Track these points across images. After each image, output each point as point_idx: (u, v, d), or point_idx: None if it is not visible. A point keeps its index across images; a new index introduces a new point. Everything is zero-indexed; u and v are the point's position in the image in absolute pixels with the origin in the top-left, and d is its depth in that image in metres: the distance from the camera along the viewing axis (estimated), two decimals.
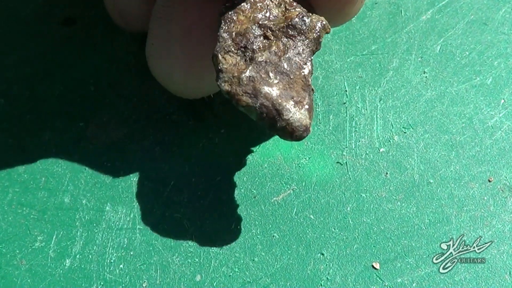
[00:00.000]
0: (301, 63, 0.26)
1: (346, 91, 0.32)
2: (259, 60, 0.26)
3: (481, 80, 0.32)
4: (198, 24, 0.28)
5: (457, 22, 0.34)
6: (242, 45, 0.26)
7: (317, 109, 0.32)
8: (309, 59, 0.26)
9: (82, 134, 0.32)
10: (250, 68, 0.26)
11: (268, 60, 0.26)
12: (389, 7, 0.34)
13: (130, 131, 0.32)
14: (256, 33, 0.26)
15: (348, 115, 0.32)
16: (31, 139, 0.32)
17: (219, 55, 0.26)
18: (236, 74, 0.26)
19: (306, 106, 0.26)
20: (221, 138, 0.31)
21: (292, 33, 0.26)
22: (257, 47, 0.26)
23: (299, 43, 0.26)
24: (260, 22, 0.26)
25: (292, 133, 0.26)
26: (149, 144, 0.31)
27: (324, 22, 0.27)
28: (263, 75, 0.26)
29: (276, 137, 0.31)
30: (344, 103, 0.32)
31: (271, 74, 0.26)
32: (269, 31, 0.26)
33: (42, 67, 0.33)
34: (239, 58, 0.26)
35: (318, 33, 0.27)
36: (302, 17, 0.26)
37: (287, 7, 0.27)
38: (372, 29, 0.34)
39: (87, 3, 0.35)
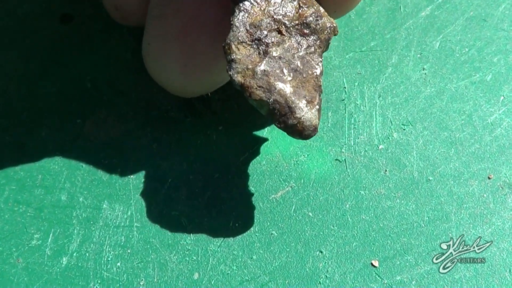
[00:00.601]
0: (314, 63, 0.26)
1: (345, 87, 0.32)
2: (273, 55, 0.26)
3: (481, 77, 0.32)
4: (194, 22, 0.27)
5: (457, 18, 0.34)
6: (256, 37, 0.26)
7: None
8: (320, 59, 0.26)
9: (79, 131, 0.32)
10: (264, 61, 0.26)
11: (282, 56, 0.26)
12: (388, 3, 0.34)
13: (127, 128, 0.32)
14: (270, 27, 0.26)
15: (347, 112, 0.32)
16: (28, 136, 0.31)
17: (233, 44, 0.25)
18: (250, 66, 0.25)
19: (317, 107, 0.26)
20: (219, 135, 0.31)
21: (306, 31, 0.26)
22: (271, 41, 0.26)
23: (311, 42, 0.26)
24: (274, 17, 0.26)
25: (302, 132, 0.26)
26: (147, 142, 0.31)
27: (334, 25, 0.27)
28: (277, 71, 0.26)
29: (275, 134, 0.31)
30: (343, 100, 0.32)
31: (284, 71, 0.26)
32: (283, 26, 0.26)
33: (39, 64, 0.33)
34: (252, 50, 0.26)
35: (329, 35, 0.27)
36: (316, 16, 0.26)
37: (301, 4, 0.26)
38: (371, 26, 0.34)
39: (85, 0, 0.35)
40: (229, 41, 0.26)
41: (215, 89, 0.30)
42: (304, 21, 0.26)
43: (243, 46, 0.26)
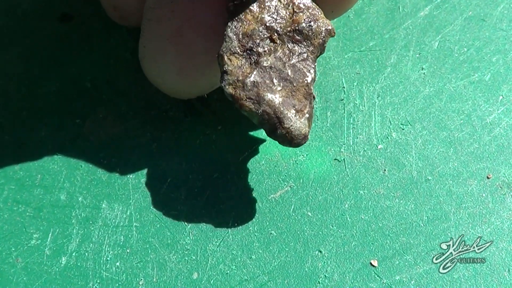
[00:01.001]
0: (305, 71, 0.26)
1: (344, 87, 0.32)
2: (264, 65, 0.26)
3: (480, 77, 0.32)
4: (187, 25, 0.27)
5: (455, 18, 0.34)
6: (248, 47, 0.26)
7: (315, 106, 0.32)
8: (313, 66, 0.27)
9: (78, 130, 0.32)
10: (255, 72, 0.26)
11: (273, 66, 0.26)
12: (387, 3, 0.34)
13: (127, 127, 0.32)
14: (262, 35, 0.26)
15: (346, 112, 0.32)
16: (27, 136, 0.31)
17: (225, 55, 0.26)
18: (240, 78, 0.26)
19: (307, 115, 0.26)
20: (218, 134, 0.31)
21: (299, 38, 0.26)
22: (263, 50, 0.26)
23: (304, 49, 0.26)
24: (267, 24, 0.26)
25: (291, 141, 0.26)
26: (146, 141, 0.31)
27: (329, 27, 0.27)
28: (267, 81, 0.26)
29: None
30: (342, 100, 0.32)
31: (275, 81, 0.26)
32: (275, 34, 0.26)
33: (38, 64, 0.33)
34: (244, 60, 0.26)
35: (324, 38, 0.27)
36: (310, 22, 0.26)
37: (295, 10, 0.27)
38: (370, 25, 0.34)
39: None
40: (222, 53, 0.26)
41: (211, 90, 0.30)
42: (297, 27, 0.26)
43: (235, 57, 0.26)
